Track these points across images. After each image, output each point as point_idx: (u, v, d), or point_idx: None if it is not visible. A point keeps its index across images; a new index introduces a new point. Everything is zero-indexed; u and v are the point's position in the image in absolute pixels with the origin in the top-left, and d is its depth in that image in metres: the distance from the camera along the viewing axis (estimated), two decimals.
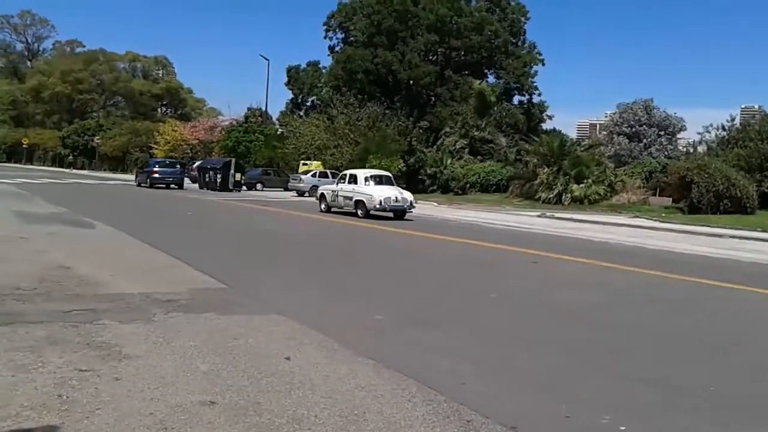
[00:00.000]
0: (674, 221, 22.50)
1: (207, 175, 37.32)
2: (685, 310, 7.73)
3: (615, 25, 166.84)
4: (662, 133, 40.79)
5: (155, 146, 58.21)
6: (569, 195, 30.27)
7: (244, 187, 37.16)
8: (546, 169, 31.47)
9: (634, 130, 40.70)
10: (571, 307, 7.51)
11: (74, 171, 64.99)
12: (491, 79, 50.04)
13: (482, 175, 37.02)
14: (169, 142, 57.64)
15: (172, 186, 36.24)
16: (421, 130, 42.94)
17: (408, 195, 20.73)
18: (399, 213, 20.25)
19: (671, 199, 28.65)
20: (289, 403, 3.83)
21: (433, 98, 47.54)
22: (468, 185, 37.17)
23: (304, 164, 39.95)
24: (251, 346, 5.04)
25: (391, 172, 36.33)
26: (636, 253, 13.58)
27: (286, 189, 37.36)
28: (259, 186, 39.78)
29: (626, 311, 7.42)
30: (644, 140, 40.23)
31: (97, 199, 25.24)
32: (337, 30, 53.59)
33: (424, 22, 46.25)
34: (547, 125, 51.52)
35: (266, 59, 52.91)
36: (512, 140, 41.45)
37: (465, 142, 41.02)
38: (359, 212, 20.22)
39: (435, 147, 41.75)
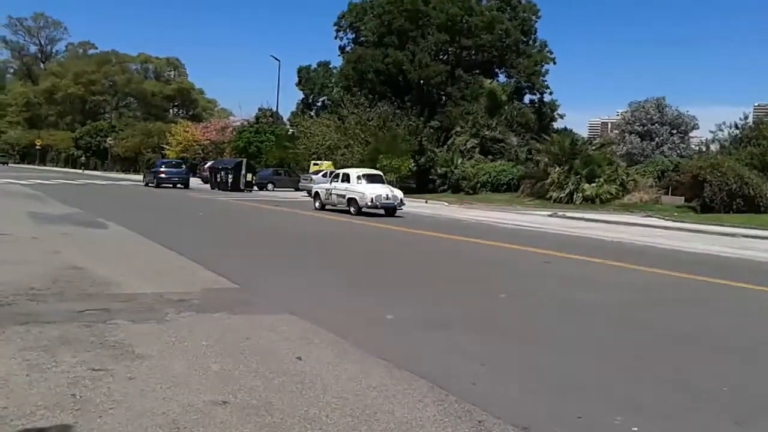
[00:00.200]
0: (687, 220, 22.31)
1: (218, 176, 37.49)
2: (702, 310, 7.65)
3: (627, 24, 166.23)
4: (674, 131, 40.50)
5: (167, 147, 58.53)
6: (581, 194, 30.11)
7: (255, 188, 37.29)
8: (557, 169, 31.31)
9: (646, 128, 40.43)
10: (584, 307, 7.47)
11: (87, 172, 65.46)
12: (502, 78, 49.94)
13: (493, 175, 36.91)
14: (180, 143, 57.96)
15: (179, 186, 36.66)
16: (431, 130, 42.87)
17: (398, 193, 21.32)
18: (390, 210, 20.79)
19: (684, 198, 28.43)
20: (300, 403, 3.83)
21: (443, 98, 47.40)
22: (479, 185, 37.06)
23: (315, 164, 39.99)
24: (263, 346, 5.05)
25: (401, 171, 36.70)
26: (649, 253, 13.48)
27: (297, 189, 37.38)
28: (270, 186, 39.91)
29: (641, 311, 7.35)
30: (656, 139, 39.94)
31: (110, 200, 25.43)
32: (348, 30, 53.71)
33: (434, 21, 46.15)
34: (558, 124, 51.31)
35: (277, 60, 53.58)
36: (523, 139, 41.30)
37: (476, 142, 40.90)
38: (352, 209, 20.73)
39: (446, 146, 41.67)
